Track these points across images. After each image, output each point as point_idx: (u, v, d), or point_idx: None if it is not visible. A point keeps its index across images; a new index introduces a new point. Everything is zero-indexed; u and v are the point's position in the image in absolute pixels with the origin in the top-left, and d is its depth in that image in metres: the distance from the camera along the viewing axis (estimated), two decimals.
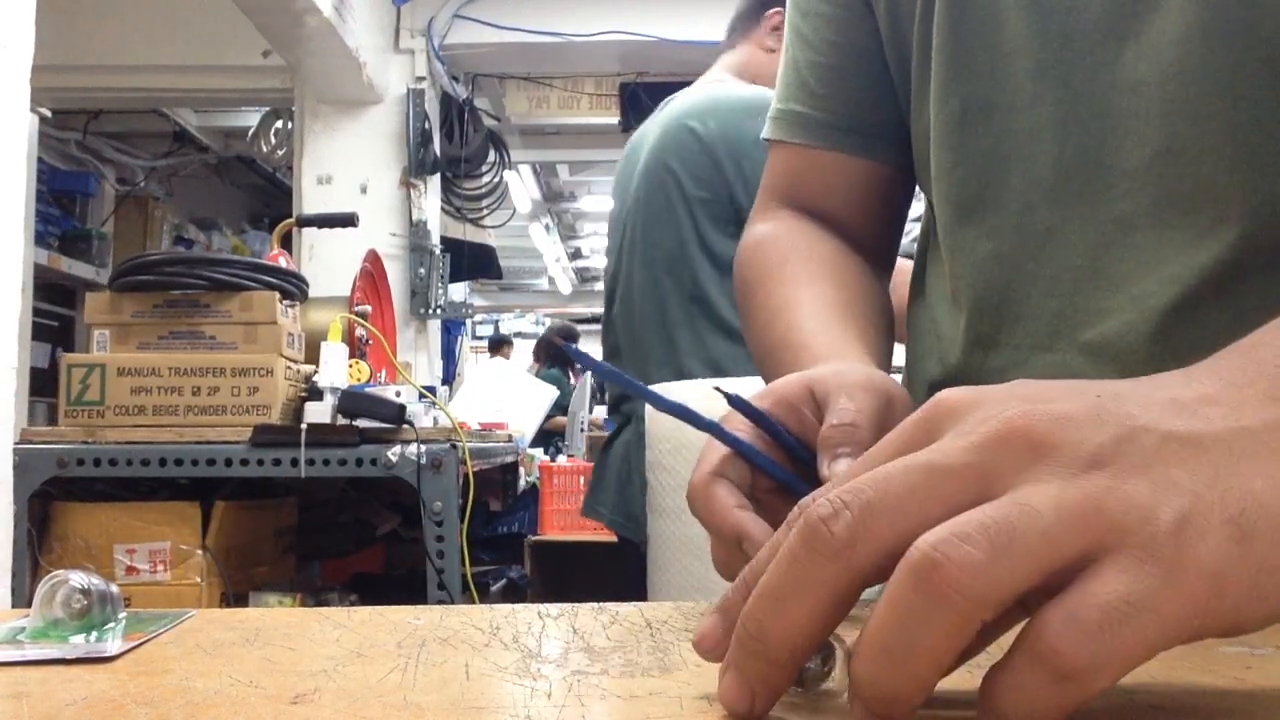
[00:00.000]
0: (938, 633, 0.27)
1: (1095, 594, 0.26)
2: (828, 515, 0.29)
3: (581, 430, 3.93)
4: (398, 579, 2.48)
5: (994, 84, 0.62)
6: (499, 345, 7.46)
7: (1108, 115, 0.58)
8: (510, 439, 2.72)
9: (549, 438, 4.53)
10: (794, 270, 0.72)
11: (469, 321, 5.73)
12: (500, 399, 3.31)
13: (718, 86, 1.88)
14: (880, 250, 0.79)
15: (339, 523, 2.50)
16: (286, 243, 3.50)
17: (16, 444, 1.83)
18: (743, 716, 0.30)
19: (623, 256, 1.87)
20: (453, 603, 1.89)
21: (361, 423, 1.98)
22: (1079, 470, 0.28)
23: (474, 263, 4.84)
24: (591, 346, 7.79)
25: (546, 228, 8.40)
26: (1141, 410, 0.29)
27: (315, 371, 2.08)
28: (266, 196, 6.58)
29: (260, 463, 1.93)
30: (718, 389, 0.49)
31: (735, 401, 0.49)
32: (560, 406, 4.30)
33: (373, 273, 2.63)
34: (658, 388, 1.70)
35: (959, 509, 0.27)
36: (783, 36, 0.81)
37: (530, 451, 3.33)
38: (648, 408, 1.70)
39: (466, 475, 2.02)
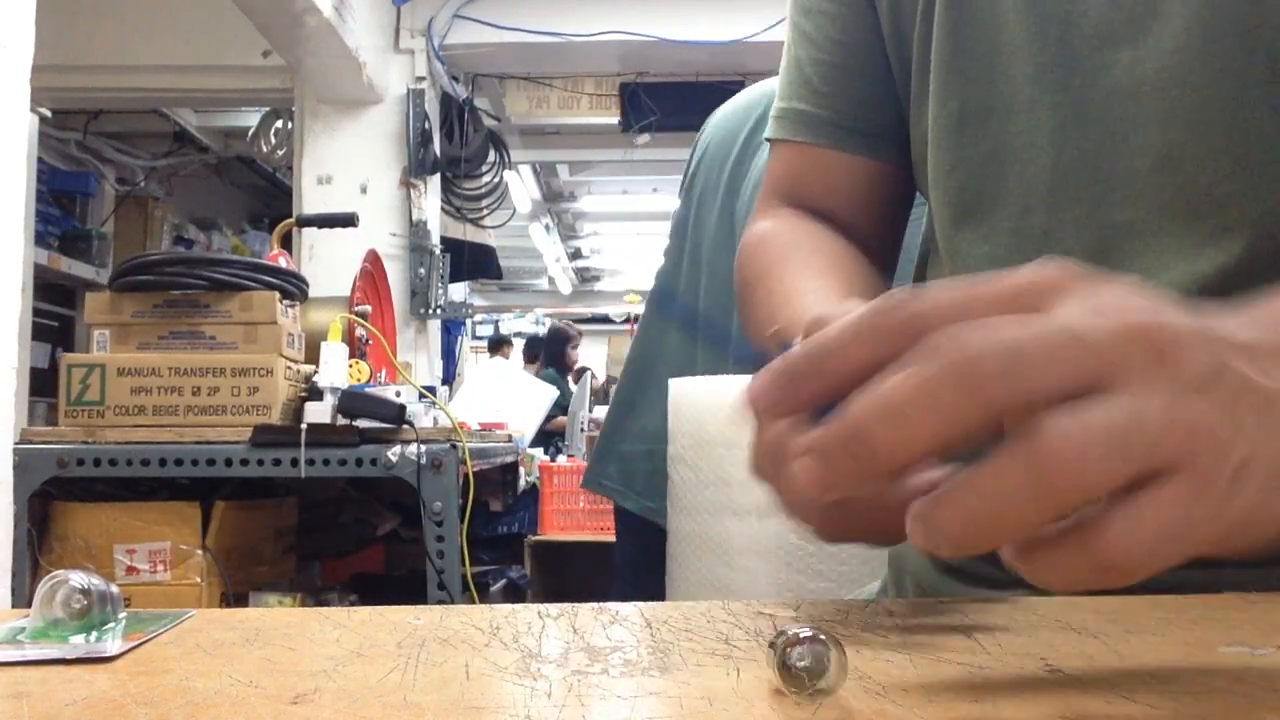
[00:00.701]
0: (1029, 514, 0.29)
1: (1161, 510, 0.28)
2: (979, 352, 0.29)
3: (581, 430, 3.92)
4: (398, 579, 2.48)
5: (992, 87, 0.62)
6: (499, 345, 7.46)
7: (1106, 120, 0.58)
8: (510, 439, 2.72)
9: (548, 439, 4.53)
10: (797, 264, 0.71)
11: (469, 321, 5.74)
12: (500, 399, 3.31)
13: None
14: (883, 250, 0.78)
15: (339, 523, 2.50)
16: (286, 243, 3.50)
17: (16, 444, 1.83)
18: (808, 500, 0.33)
19: (687, 256, 1.84)
20: (453, 603, 1.89)
21: (361, 423, 1.98)
22: (1187, 391, 0.29)
23: (474, 263, 4.84)
24: (597, 348, 7.75)
25: (546, 228, 8.40)
26: (1230, 351, 0.31)
27: (315, 371, 2.09)
28: (266, 196, 6.58)
29: (260, 463, 1.93)
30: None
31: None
32: (560, 407, 4.30)
33: (373, 273, 2.63)
34: (682, 382, 1.70)
35: (1081, 386, 0.29)
36: None
37: (530, 451, 3.33)
38: (671, 403, 1.70)
39: (466, 475, 2.02)
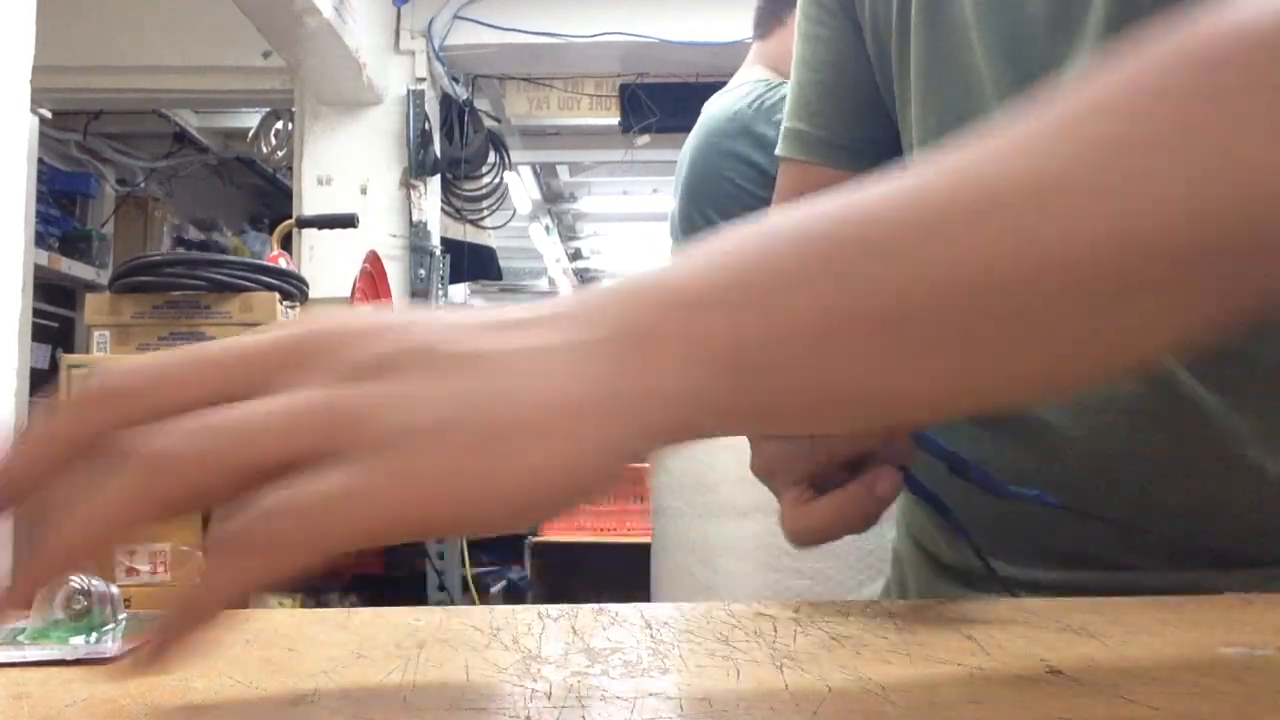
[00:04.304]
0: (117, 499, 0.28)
1: (309, 484, 0.28)
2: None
3: None
4: (398, 580, 2.48)
5: (968, 100, 0.64)
6: None
7: None
8: None
9: None
10: None
11: None
12: None
13: (737, 92, 1.85)
14: None
15: None
16: (286, 243, 3.50)
17: None
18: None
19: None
20: (453, 604, 1.89)
21: None
22: (336, 379, 0.29)
23: (474, 264, 4.83)
24: None
25: (546, 229, 8.39)
26: (425, 331, 0.30)
27: None
28: (266, 197, 6.57)
29: None
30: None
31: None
32: None
33: (373, 273, 2.63)
34: None
35: (222, 398, 0.29)
36: None
37: None
38: None
39: None
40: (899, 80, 0.70)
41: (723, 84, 1.95)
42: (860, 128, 0.76)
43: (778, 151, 0.83)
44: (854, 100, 0.76)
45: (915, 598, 0.73)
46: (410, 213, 4.22)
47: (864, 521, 0.49)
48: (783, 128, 0.82)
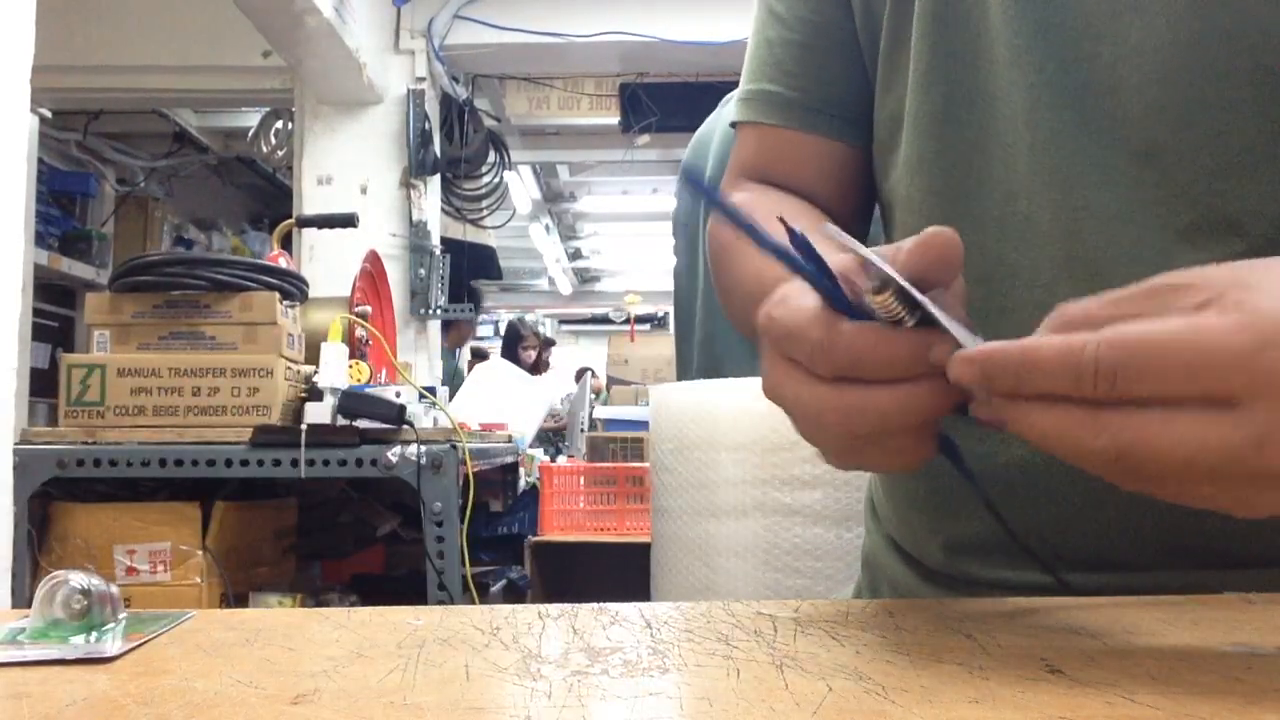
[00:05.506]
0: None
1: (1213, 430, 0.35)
2: (1143, 462, 0.37)
3: (581, 430, 3.92)
4: (398, 579, 2.48)
5: (977, 72, 0.62)
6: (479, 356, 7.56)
7: (1081, 109, 0.58)
8: (510, 439, 2.72)
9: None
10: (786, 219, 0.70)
11: None
12: (499, 399, 3.31)
13: None
14: (855, 231, 0.75)
15: (339, 523, 2.50)
16: (287, 243, 3.50)
17: (16, 444, 1.83)
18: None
19: (690, 261, 1.89)
20: (453, 603, 1.89)
21: (361, 423, 1.98)
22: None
23: (474, 263, 4.84)
24: (597, 348, 7.74)
25: (546, 228, 8.40)
26: None
27: (315, 372, 2.08)
28: (266, 197, 6.57)
29: (260, 463, 1.93)
30: (781, 220, 0.44)
31: (799, 240, 0.44)
32: None
33: (373, 273, 2.63)
34: (672, 387, 1.71)
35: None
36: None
37: (530, 452, 3.33)
38: (651, 409, 1.71)
39: (466, 475, 2.02)
40: (891, 39, 0.66)
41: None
42: (839, 93, 0.71)
43: (736, 118, 0.76)
44: (834, 63, 0.71)
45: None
46: (410, 212, 4.22)
47: (919, 434, 0.43)
48: (745, 90, 0.75)
